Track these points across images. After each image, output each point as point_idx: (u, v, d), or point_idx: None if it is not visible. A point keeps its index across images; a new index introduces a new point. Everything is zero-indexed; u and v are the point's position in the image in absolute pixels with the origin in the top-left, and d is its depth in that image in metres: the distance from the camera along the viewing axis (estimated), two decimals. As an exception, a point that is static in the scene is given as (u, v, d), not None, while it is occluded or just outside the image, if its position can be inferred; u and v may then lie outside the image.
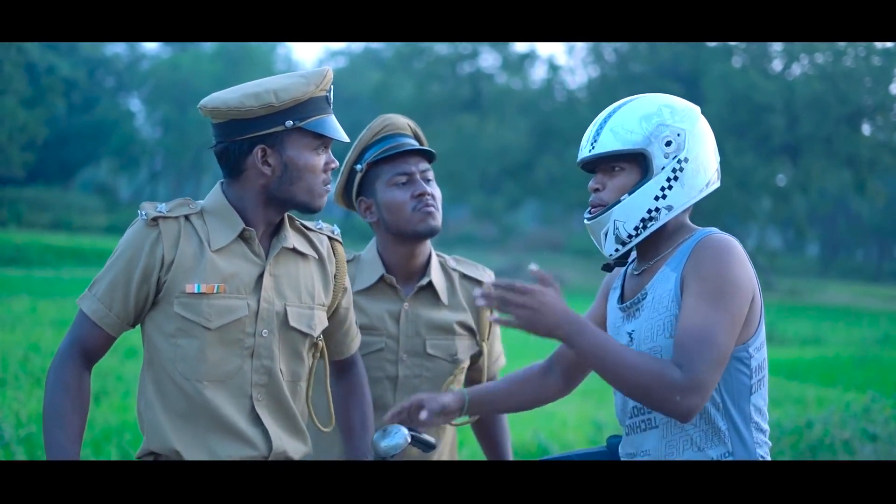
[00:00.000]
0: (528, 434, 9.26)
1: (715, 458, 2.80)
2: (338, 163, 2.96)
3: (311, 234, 3.06)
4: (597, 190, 2.90)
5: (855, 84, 38.14)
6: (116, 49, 51.16)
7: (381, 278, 3.44)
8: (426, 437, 3.13)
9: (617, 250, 2.89)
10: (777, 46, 40.30)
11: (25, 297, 17.33)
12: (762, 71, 39.54)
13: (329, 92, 2.92)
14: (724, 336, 2.69)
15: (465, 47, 45.28)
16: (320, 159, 2.89)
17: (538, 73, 47.00)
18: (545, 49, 66.84)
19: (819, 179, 40.22)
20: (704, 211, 36.65)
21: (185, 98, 49.28)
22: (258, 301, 2.87)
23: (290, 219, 3.03)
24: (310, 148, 2.87)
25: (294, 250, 2.97)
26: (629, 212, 2.84)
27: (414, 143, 3.43)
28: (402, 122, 3.45)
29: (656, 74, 40.80)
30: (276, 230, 2.96)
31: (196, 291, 2.80)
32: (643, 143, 2.83)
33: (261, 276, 2.88)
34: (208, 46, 53.87)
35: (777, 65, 41.02)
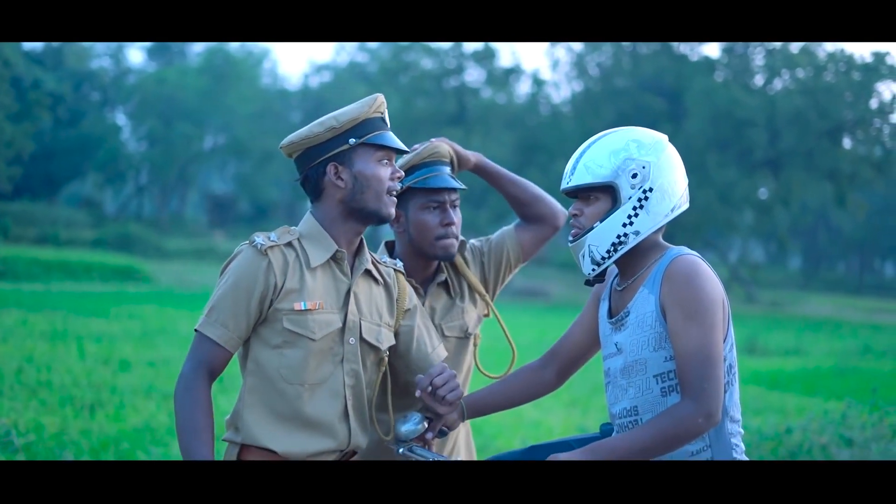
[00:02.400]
0: (517, 442, 9.46)
1: (693, 452, 3.13)
2: (403, 173, 3.36)
3: (379, 265, 3.48)
4: (576, 216, 3.28)
5: (835, 99, 38.46)
6: (102, 63, 51.18)
7: None
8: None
9: (594, 270, 3.27)
10: (759, 61, 40.62)
11: (14, 310, 17.46)
12: (744, 86, 39.83)
13: (384, 114, 3.33)
14: (716, 348, 3.05)
15: (450, 62, 45.46)
16: (386, 170, 3.30)
17: (523, 88, 47.29)
18: (530, 64, 67.19)
19: (800, 193, 40.52)
20: (688, 225, 36.89)
21: (170, 112, 49.30)
22: (346, 314, 3.28)
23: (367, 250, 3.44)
24: (374, 160, 3.28)
25: (369, 273, 3.40)
26: (601, 237, 3.21)
27: (449, 175, 3.81)
28: (445, 149, 3.83)
29: (639, 89, 41.08)
30: (356, 252, 3.38)
31: (303, 308, 3.21)
32: (611, 177, 3.19)
33: (348, 292, 3.30)
34: (194, 60, 53.94)
35: (759, 80, 41.31)
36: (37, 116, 37.96)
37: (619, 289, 3.31)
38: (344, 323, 3.27)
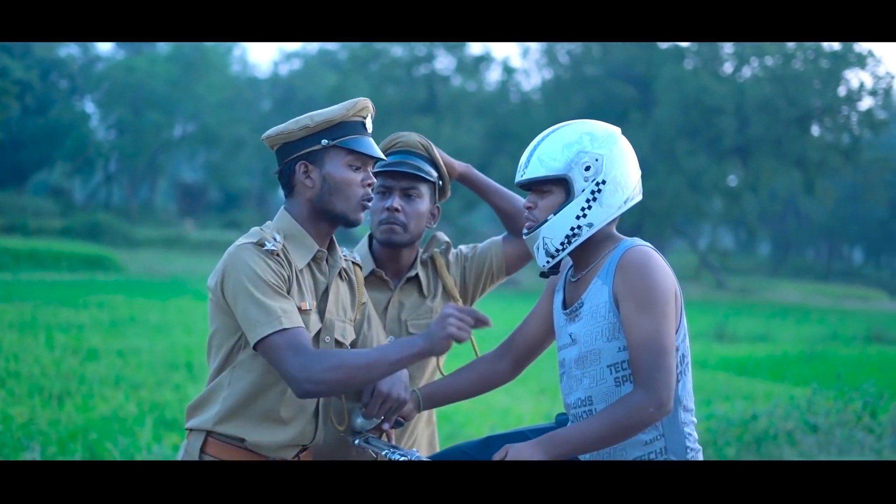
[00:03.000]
0: (486, 429, 9.49)
1: (647, 441, 3.16)
2: (375, 181, 3.36)
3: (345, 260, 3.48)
4: (530, 208, 3.29)
5: (804, 86, 38.66)
6: (70, 51, 50.78)
7: (372, 272, 3.81)
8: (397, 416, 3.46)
9: (548, 262, 3.29)
10: (728, 49, 40.75)
11: (-17, 299, 17.36)
12: (713, 73, 39.96)
13: (365, 119, 3.33)
14: (668, 339, 3.07)
15: (420, 49, 45.36)
16: (356, 175, 3.28)
17: (493, 76, 47.22)
18: (500, 52, 66.94)
19: (769, 180, 40.72)
20: (657, 212, 37.02)
21: (139, 100, 48.98)
22: (324, 313, 3.31)
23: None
24: (345, 164, 3.27)
25: (339, 271, 3.40)
26: (555, 229, 3.24)
27: (417, 163, 3.76)
28: (414, 140, 3.80)
29: (609, 77, 41.17)
30: (329, 251, 3.38)
31: (307, 308, 3.23)
32: (564, 170, 3.21)
33: (325, 291, 3.33)
34: (163, 48, 53.58)
35: (728, 67, 41.44)
36: (4, 105, 37.72)
37: (573, 280, 3.33)
38: (323, 322, 3.30)
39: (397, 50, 45.47)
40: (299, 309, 3.18)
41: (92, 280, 25.04)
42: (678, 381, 3.16)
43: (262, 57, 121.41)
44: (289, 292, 3.17)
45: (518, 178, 3.28)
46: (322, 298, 3.32)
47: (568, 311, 3.29)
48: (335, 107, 3.28)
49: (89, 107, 52.49)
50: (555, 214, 3.22)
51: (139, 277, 27.28)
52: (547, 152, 3.23)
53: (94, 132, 50.68)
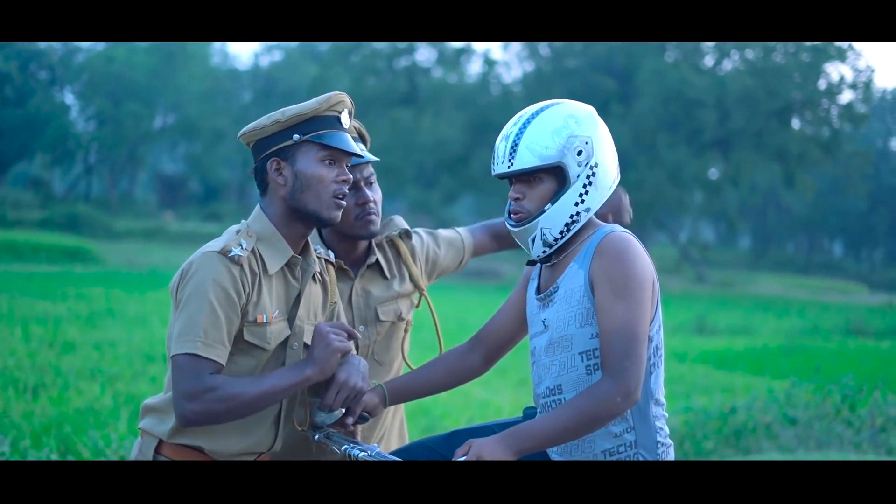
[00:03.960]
0: (464, 422, 9.46)
1: (617, 433, 3.09)
2: (351, 177, 3.22)
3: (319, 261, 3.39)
4: (518, 199, 3.17)
5: (784, 80, 38.79)
6: (50, 42, 50.54)
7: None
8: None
9: (545, 252, 3.17)
10: (709, 42, 40.83)
11: (-41, 291, 17.24)
12: (694, 66, 40.06)
13: (340, 113, 3.21)
14: (641, 327, 2.98)
15: (401, 42, 45.34)
16: (329, 171, 3.16)
17: (474, 68, 47.25)
18: (481, 44, 66.90)
19: (750, 173, 40.84)
20: (639, 205, 37.03)
21: (119, 92, 48.76)
22: (294, 320, 3.20)
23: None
24: (317, 159, 3.15)
25: (313, 274, 3.29)
26: (554, 219, 3.11)
27: (358, 149, 3.61)
28: (350, 126, 3.62)
29: (590, 69, 41.22)
30: (302, 254, 3.27)
31: (264, 321, 3.11)
32: (558, 157, 3.09)
33: (297, 297, 3.22)
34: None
35: (709, 60, 41.55)
36: (-17, 96, 37.51)
37: (549, 265, 3.24)
38: (292, 329, 3.20)
39: (378, 42, 45.41)
40: (254, 322, 3.07)
41: (70, 272, 24.88)
42: (651, 374, 3.10)
43: (243, 48, 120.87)
44: (248, 303, 3.06)
45: (504, 170, 3.14)
46: (294, 305, 3.21)
47: (541, 296, 3.21)
48: (309, 101, 3.18)
49: (69, 98, 52.25)
50: (552, 204, 3.11)
51: (118, 269, 27.13)
52: (535, 140, 3.11)
53: (73, 123, 50.46)
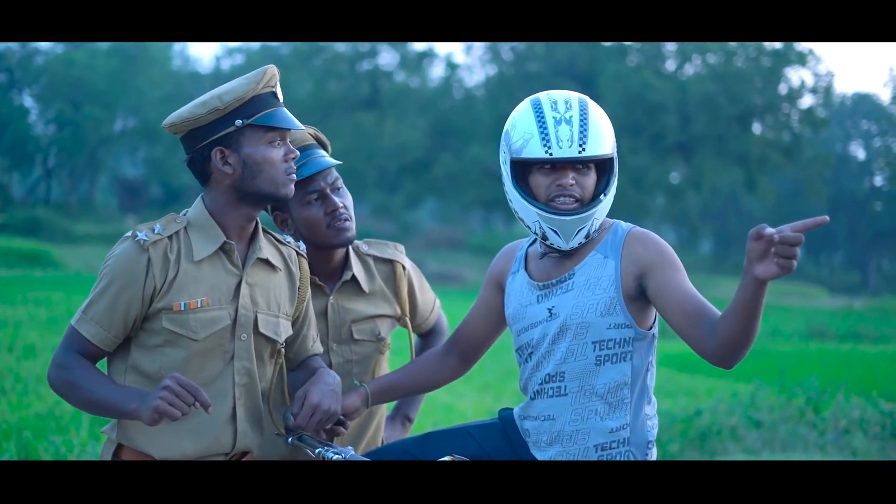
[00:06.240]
0: (428, 426, 9.41)
1: (613, 429, 3.07)
2: (298, 153, 3.12)
3: (281, 246, 3.27)
4: (572, 185, 3.05)
5: (745, 84, 39.09)
6: (9, 44, 50.12)
7: None
8: None
9: (580, 243, 3.09)
10: (671, 47, 41.06)
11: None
12: (656, 71, 40.27)
13: (275, 87, 3.09)
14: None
15: (363, 45, 45.25)
16: (278, 151, 3.05)
17: (436, 72, 47.27)
18: (443, 48, 67.04)
19: (711, 177, 41.07)
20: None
21: (79, 95, 48.43)
22: (236, 309, 3.06)
23: (264, 230, 3.22)
24: (264, 142, 3.03)
25: (266, 261, 3.16)
26: (604, 210, 3.10)
27: (320, 154, 3.51)
28: (302, 135, 3.50)
29: (553, 73, 41.28)
30: (250, 239, 3.14)
31: (182, 309, 2.99)
32: (613, 149, 3.10)
33: (238, 285, 3.08)
34: (103, 43, 53.05)
35: (670, 65, 41.78)
36: (-59, 98, 37.14)
37: (552, 256, 3.16)
38: (234, 319, 3.06)
39: (340, 45, 45.39)
40: (170, 309, 2.98)
41: (29, 276, 24.66)
42: (647, 371, 3.12)
43: (204, 52, 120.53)
44: (161, 289, 2.98)
45: (574, 154, 3.01)
46: (234, 293, 3.07)
47: (544, 284, 3.14)
48: (241, 81, 3.03)
49: (28, 101, 51.82)
50: (605, 195, 3.07)
51: (78, 274, 26.90)
52: (601, 128, 3.07)
53: (32, 126, 50.05)
